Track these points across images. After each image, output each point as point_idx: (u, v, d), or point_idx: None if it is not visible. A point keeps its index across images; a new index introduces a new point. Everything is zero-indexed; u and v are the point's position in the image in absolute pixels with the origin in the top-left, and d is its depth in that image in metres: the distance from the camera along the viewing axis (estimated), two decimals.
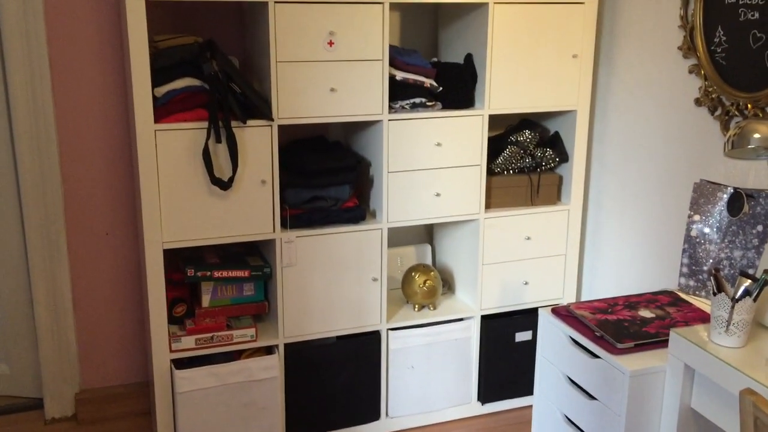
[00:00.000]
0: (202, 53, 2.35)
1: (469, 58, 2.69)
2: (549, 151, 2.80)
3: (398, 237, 2.98)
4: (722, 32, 2.26)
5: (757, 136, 1.77)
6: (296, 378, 2.63)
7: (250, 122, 2.39)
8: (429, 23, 2.92)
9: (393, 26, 2.82)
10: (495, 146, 2.77)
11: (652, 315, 2.15)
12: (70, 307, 2.73)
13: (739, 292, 1.72)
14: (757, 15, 2.15)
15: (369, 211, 2.71)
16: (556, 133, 2.87)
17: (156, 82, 2.30)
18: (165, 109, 2.32)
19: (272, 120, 2.41)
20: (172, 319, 2.49)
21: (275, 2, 2.33)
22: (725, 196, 2.18)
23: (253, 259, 2.60)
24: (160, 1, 2.25)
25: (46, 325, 2.73)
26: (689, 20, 2.38)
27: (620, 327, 2.07)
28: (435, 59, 2.80)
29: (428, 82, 2.61)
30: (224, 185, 2.38)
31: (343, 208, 2.59)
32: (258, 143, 2.42)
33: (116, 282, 2.78)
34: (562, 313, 2.20)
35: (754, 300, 1.73)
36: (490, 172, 2.76)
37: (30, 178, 2.60)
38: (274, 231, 2.49)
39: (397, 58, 2.58)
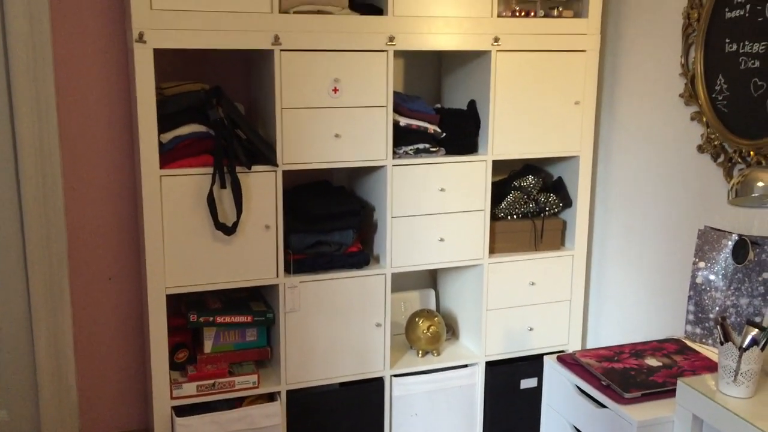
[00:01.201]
0: (209, 100, 2.38)
1: (472, 104, 2.72)
2: (552, 197, 2.80)
3: (402, 281, 2.97)
4: (723, 80, 2.29)
5: (760, 184, 1.77)
6: (298, 425, 2.59)
7: (254, 168, 2.40)
8: (433, 69, 2.96)
9: (397, 72, 2.85)
10: (499, 191, 2.78)
11: (659, 363, 2.12)
12: (71, 353, 2.71)
13: (747, 342, 1.71)
14: (757, 63, 2.17)
15: (373, 256, 2.71)
16: (560, 179, 2.88)
17: (162, 128, 2.32)
18: (171, 155, 2.34)
19: (277, 165, 2.43)
20: (173, 365, 2.47)
21: (281, 50, 2.36)
22: (730, 243, 2.17)
23: (256, 304, 2.59)
24: (168, 49, 2.28)
25: (46, 371, 2.70)
26: (690, 68, 2.40)
27: (627, 376, 2.05)
28: (438, 105, 2.83)
29: (432, 128, 2.63)
30: (228, 230, 2.38)
31: (346, 253, 2.59)
32: (262, 188, 2.43)
33: (118, 327, 2.76)
34: (567, 361, 2.18)
35: (762, 349, 1.71)
36: (494, 217, 2.76)
37: (35, 222, 2.60)
38: (277, 276, 2.49)
39: (401, 104, 2.61)
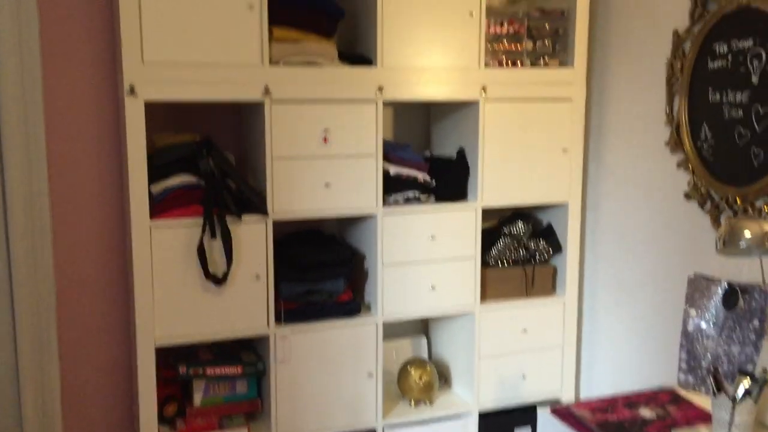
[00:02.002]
0: (199, 151, 2.39)
1: (461, 152, 2.74)
2: (542, 243, 2.81)
3: (393, 329, 2.95)
4: (708, 129, 2.32)
5: (747, 234, 1.79)
6: None
7: (245, 217, 2.41)
8: (422, 117, 2.99)
9: (386, 120, 2.88)
10: (489, 238, 2.79)
11: (653, 415, 2.11)
12: (58, 407, 2.66)
13: (740, 393, 1.70)
14: (741, 113, 2.21)
15: (364, 305, 2.69)
16: (549, 225, 2.89)
17: (153, 179, 2.33)
18: (161, 206, 2.34)
19: (267, 215, 2.43)
20: (162, 419, 2.43)
21: (271, 101, 2.38)
22: (720, 290, 2.18)
23: (246, 354, 2.56)
24: (159, 102, 2.30)
25: (33, 425, 2.65)
26: (675, 117, 2.44)
27: (621, 428, 2.03)
28: (428, 153, 2.85)
29: (422, 176, 2.65)
30: (218, 281, 2.37)
31: (337, 301, 2.58)
32: (253, 238, 2.42)
33: (106, 381, 2.72)
34: (562, 413, 2.16)
35: (755, 401, 1.70)
36: (485, 264, 2.76)
37: (23, 275, 2.58)
38: (268, 326, 2.47)
39: (390, 152, 2.63)
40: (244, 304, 2.43)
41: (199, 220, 2.35)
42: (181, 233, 2.34)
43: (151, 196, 2.33)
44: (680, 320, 2.33)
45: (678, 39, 2.40)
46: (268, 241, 2.44)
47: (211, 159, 2.38)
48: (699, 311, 2.22)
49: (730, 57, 2.23)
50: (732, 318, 2.14)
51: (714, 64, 2.28)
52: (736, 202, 2.22)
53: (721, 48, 2.25)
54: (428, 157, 2.79)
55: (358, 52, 2.60)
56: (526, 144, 2.70)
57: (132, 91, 2.24)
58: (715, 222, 2.29)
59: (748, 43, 2.17)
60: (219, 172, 2.38)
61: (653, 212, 2.57)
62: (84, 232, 2.63)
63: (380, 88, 2.50)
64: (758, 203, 2.16)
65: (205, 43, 2.29)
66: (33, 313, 2.60)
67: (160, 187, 2.34)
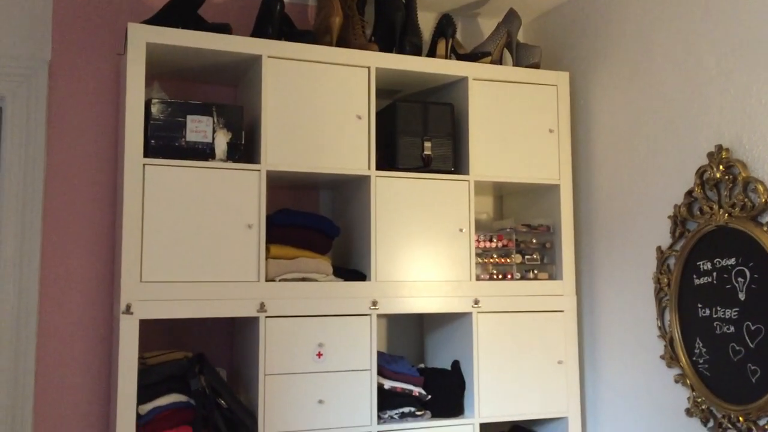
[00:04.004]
0: (191, 368, 2.35)
1: (456, 364, 2.71)
2: None
3: None
4: (701, 344, 2.33)
5: None
6: None
7: None
8: (415, 328, 2.99)
9: (380, 332, 2.87)
10: None
11: None
12: None
13: None
14: (732, 329, 2.23)
15: None
16: None
17: (141, 398, 2.27)
18: (148, 428, 2.26)
19: None
20: None
21: (266, 317, 2.39)
22: None
23: None
24: (152, 320, 2.30)
25: None
26: (667, 330, 2.45)
27: None
28: (422, 365, 2.82)
29: (417, 390, 2.60)
30: None
31: None
32: None
33: None
34: None
35: None
36: None
37: None
38: None
39: (384, 366, 2.60)
40: None
41: None
42: None
43: (139, 418, 2.25)
44: None
45: (662, 255, 2.48)
46: None
47: (203, 377, 2.34)
48: None
49: (715, 274, 2.29)
50: None
51: (700, 280, 2.34)
52: (739, 420, 2.17)
53: (705, 265, 2.32)
54: (423, 369, 2.75)
55: (352, 267, 2.66)
56: (521, 356, 2.69)
57: (128, 309, 2.25)
58: None
59: (731, 261, 2.24)
60: (210, 391, 2.33)
61: (656, 429, 2.49)
62: None
63: (374, 303, 2.53)
64: (762, 422, 2.12)
65: (203, 262, 2.34)
66: None
67: (149, 407, 2.27)
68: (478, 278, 2.68)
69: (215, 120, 2.41)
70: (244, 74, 2.67)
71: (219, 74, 2.70)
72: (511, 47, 2.90)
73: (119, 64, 2.61)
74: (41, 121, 2.57)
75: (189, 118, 2.38)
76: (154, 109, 2.35)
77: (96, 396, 2.56)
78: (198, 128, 2.40)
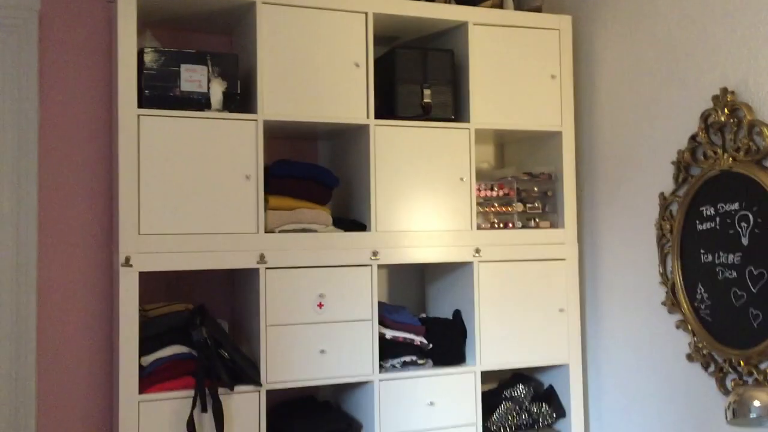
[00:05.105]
0: (192, 320, 2.35)
1: (457, 314, 2.72)
2: (545, 407, 2.72)
3: None
4: (703, 290, 2.32)
5: (757, 404, 1.74)
6: None
7: (237, 388, 2.33)
8: (416, 278, 2.99)
9: (381, 282, 2.87)
10: (489, 402, 2.70)
11: None
12: None
13: None
14: (734, 274, 2.21)
15: None
16: (551, 388, 2.81)
17: (143, 350, 2.27)
18: (150, 379, 2.27)
19: (260, 385, 2.36)
20: None
21: (266, 269, 2.38)
22: None
23: None
24: (153, 272, 2.29)
25: None
26: (669, 277, 2.44)
27: None
28: (424, 315, 2.82)
29: (418, 339, 2.60)
30: None
31: None
32: (246, 410, 2.34)
33: None
34: None
35: None
36: (487, 431, 2.65)
37: None
38: None
39: (386, 316, 2.60)
40: None
41: (190, 393, 2.27)
42: (170, 407, 2.26)
43: (141, 369, 2.26)
44: None
45: (664, 201, 2.46)
46: (261, 412, 2.35)
47: (204, 328, 2.34)
48: None
49: (717, 219, 2.27)
50: None
51: (703, 226, 2.32)
52: (740, 364, 2.18)
53: (708, 211, 2.30)
54: (424, 318, 2.76)
55: (352, 218, 2.64)
56: (522, 305, 2.69)
57: (127, 262, 2.24)
58: (722, 386, 2.23)
59: (734, 206, 2.22)
60: (212, 342, 2.34)
61: (657, 374, 2.51)
62: (71, 406, 2.53)
63: (375, 253, 2.52)
64: (763, 366, 2.12)
65: (201, 214, 2.32)
66: None
67: (151, 358, 2.28)
68: (479, 227, 2.66)
69: (210, 69, 2.36)
70: (238, 22, 2.61)
71: (213, 22, 2.64)
72: None
73: (110, 12, 2.54)
74: (33, 71, 2.52)
75: (183, 67, 2.34)
76: (147, 59, 2.30)
77: (99, 348, 2.57)
78: (192, 78, 2.35)
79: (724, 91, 2.23)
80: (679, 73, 2.42)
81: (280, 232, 2.43)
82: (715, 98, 2.26)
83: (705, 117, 2.29)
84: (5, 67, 2.51)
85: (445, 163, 2.62)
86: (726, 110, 2.21)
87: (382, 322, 2.56)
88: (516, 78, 2.72)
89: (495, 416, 2.68)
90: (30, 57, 2.52)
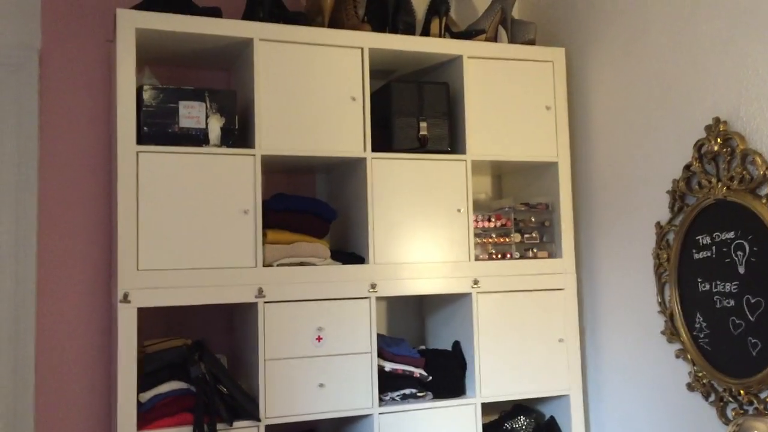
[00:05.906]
0: (191, 355, 2.35)
1: (456, 345, 2.71)
2: None
3: None
4: (702, 318, 2.32)
5: None
6: None
7: (236, 424, 2.32)
8: (415, 310, 2.99)
9: (380, 314, 2.86)
10: None
11: None
12: None
13: None
14: (732, 302, 2.22)
15: None
16: (552, 419, 2.79)
17: (142, 386, 2.27)
18: (149, 415, 2.26)
19: (259, 420, 2.34)
20: None
21: (264, 302, 2.38)
22: None
23: None
24: (151, 308, 2.29)
25: None
26: (667, 306, 2.44)
27: None
28: (423, 347, 2.81)
29: (417, 372, 2.60)
30: None
31: None
32: None
33: None
34: None
35: None
36: None
37: None
38: None
39: (385, 348, 2.59)
40: None
41: (189, 429, 2.25)
42: None
43: (139, 406, 2.25)
44: None
45: (661, 230, 2.47)
46: None
47: (203, 364, 2.34)
48: None
49: (714, 248, 2.28)
50: None
51: (699, 255, 2.33)
52: (740, 393, 2.17)
53: (705, 239, 2.31)
54: (423, 350, 2.75)
55: (350, 250, 2.64)
56: (522, 335, 2.68)
57: (126, 298, 2.24)
58: (722, 416, 2.22)
59: (730, 234, 2.23)
60: (211, 377, 2.33)
61: (658, 404, 2.49)
62: None
63: (373, 285, 2.52)
64: (763, 395, 2.11)
65: (199, 249, 2.33)
66: None
67: (149, 395, 2.27)
68: (477, 258, 2.67)
69: (208, 105, 2.39)
70: (236, 58, 2.64)
71: (211, 59, 2.68)
72: (505, 24, 2.87)
73: (109, 51, 2.58)
74: (33, 110, 2.55)
75: (181, 104, 2.36)
76: (146, 96, 2.33)
77: (97, 385, 2.56)
78: (191, 114, 2.38)
79: (717, 120, 2.25)
80: (671, 103, 2.45)
81: (278, 265, 2.43)
82: (708, 128, 2.28)
83: (698, 146, 2.31)
84: (6, 105, 2.54)
85: (443, 195, 2.63)
86: (719, 140, 2.24)
87: (381, 355, 2.55)
88: (511, 109, 2.75)
89: None
90: (30, 95, 2.55)
